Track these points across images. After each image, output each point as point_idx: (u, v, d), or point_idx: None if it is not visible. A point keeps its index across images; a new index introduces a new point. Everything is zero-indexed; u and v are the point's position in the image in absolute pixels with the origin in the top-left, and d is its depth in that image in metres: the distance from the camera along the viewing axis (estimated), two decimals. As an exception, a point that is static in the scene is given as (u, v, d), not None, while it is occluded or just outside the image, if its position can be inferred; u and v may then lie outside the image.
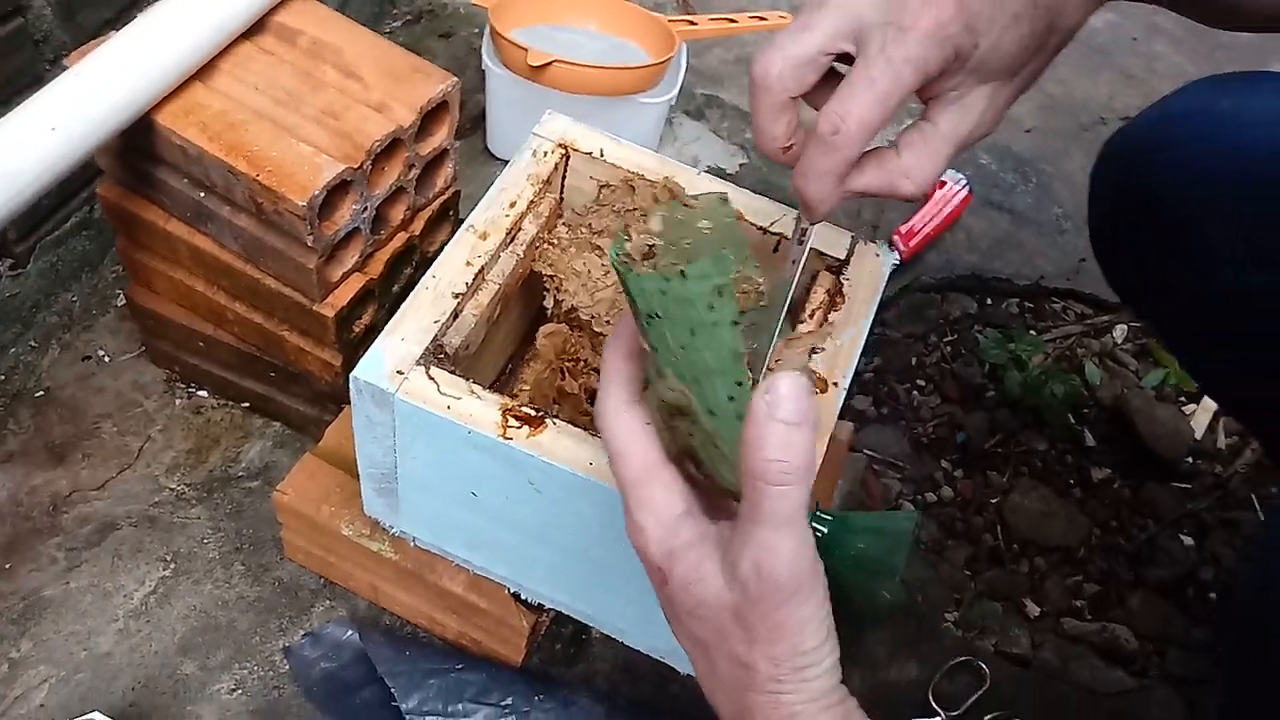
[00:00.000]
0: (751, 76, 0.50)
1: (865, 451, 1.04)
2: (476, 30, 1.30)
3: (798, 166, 0.51)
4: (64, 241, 0.97)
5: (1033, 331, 1.16)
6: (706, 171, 1.23)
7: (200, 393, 0.95)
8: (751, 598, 0.43)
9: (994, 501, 1.03)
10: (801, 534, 0.42)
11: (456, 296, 0.68)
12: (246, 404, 0.95)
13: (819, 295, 0.74)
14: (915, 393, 1.11)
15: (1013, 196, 1.28)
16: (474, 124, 1.20)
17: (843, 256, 0.75)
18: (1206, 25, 0.63)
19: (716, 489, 0.46)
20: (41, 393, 0.94)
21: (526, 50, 1.01)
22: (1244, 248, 0.69)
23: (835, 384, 0.69)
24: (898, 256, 1.17)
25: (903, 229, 1.18)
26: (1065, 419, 1.09)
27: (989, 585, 0.97)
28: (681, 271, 0.43)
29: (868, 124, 0.48)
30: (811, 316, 0.73)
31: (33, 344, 0.96)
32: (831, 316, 0.72)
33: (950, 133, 0.52)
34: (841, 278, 0.74)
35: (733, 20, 1.15)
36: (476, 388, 0.64)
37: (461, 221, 0.72)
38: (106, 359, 0.96)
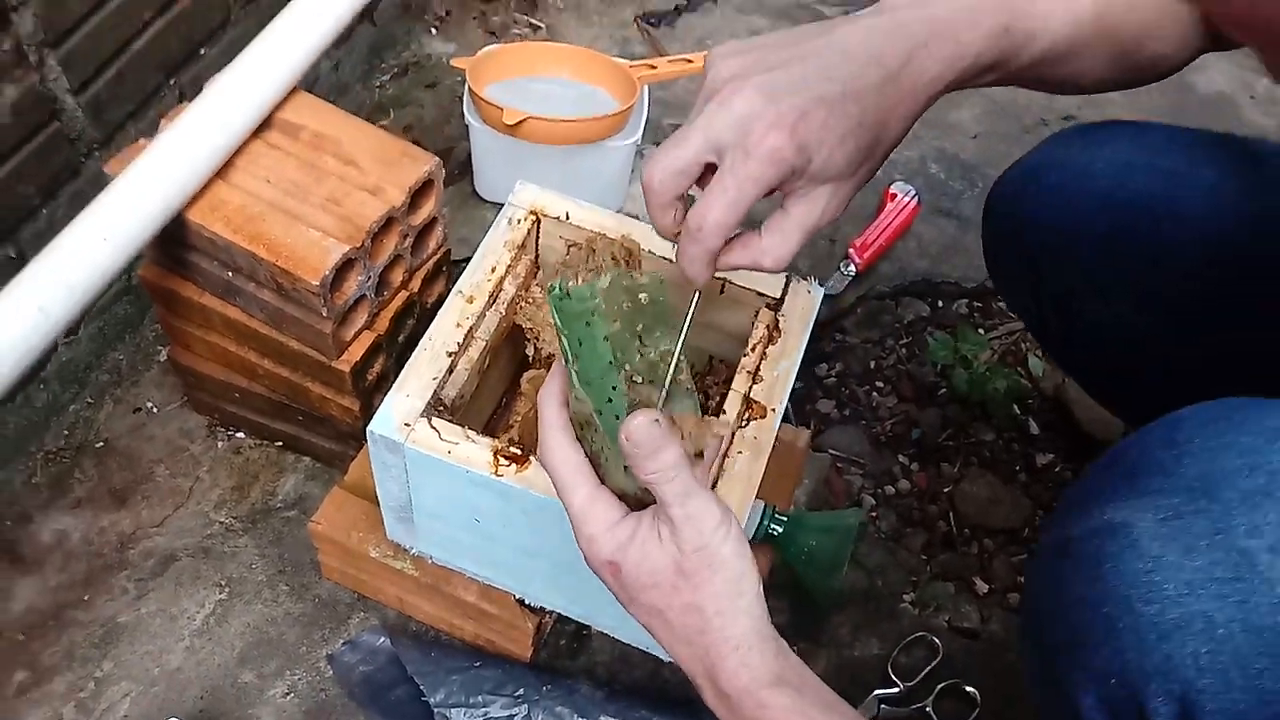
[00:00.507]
0: (642, 182, 0.62)
1: (829, 451, 1.17)
2: (460, 79, 1.41)
3: (676, 251, 0.63)
4: (108, 309, 1.10)
5: (980, 330, 1.28)
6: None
7: (239, 435, 1.09)
8: (687, 547, 0.55)
9: (946, 490, 1.15)
10: (704, 495, 0.55)
11: (450, 354, 0.80)
12: (280, 443, 1.08)
13: (760, 330, 0.86)
14: (874, 394, 1.23)
15: (960, 203, 1.39)
16: (462, 169, 1.32)
17: (778, 295, 0.87)
18: (1047, 93, 0.75)
19: (614, 491, 0.59)
20: (101, 444, 1.07)
21: (502, 110, 1.13)
22: (1087, 284, 0.83)
23: (773, 409, 0.81)
24: (854, 268, 1.29)
25: (857, 242, 1.30)
26: (1009, 411, 1.20)
27: (942, 567, 1.10)
28: (568, 292, 0.57)
29: (722, 224, 0.59)
30: (753, 350, 0.85)
31: (89, 401, 1.09)
32: (769, 350, 0.84)
33: (800, 220, 0.62)
34: (778, 314, 0.86)
35: (690, 60, 1.27)
36: (471, 433, 0.77)
37: (455, 261, 0.83)
38: (154, 410, 1.10)
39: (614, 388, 0.58)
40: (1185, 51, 0.72)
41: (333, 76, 1.33)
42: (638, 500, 0.59)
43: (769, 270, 0.63)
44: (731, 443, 0.80)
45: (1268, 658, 0.51)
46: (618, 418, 0.56)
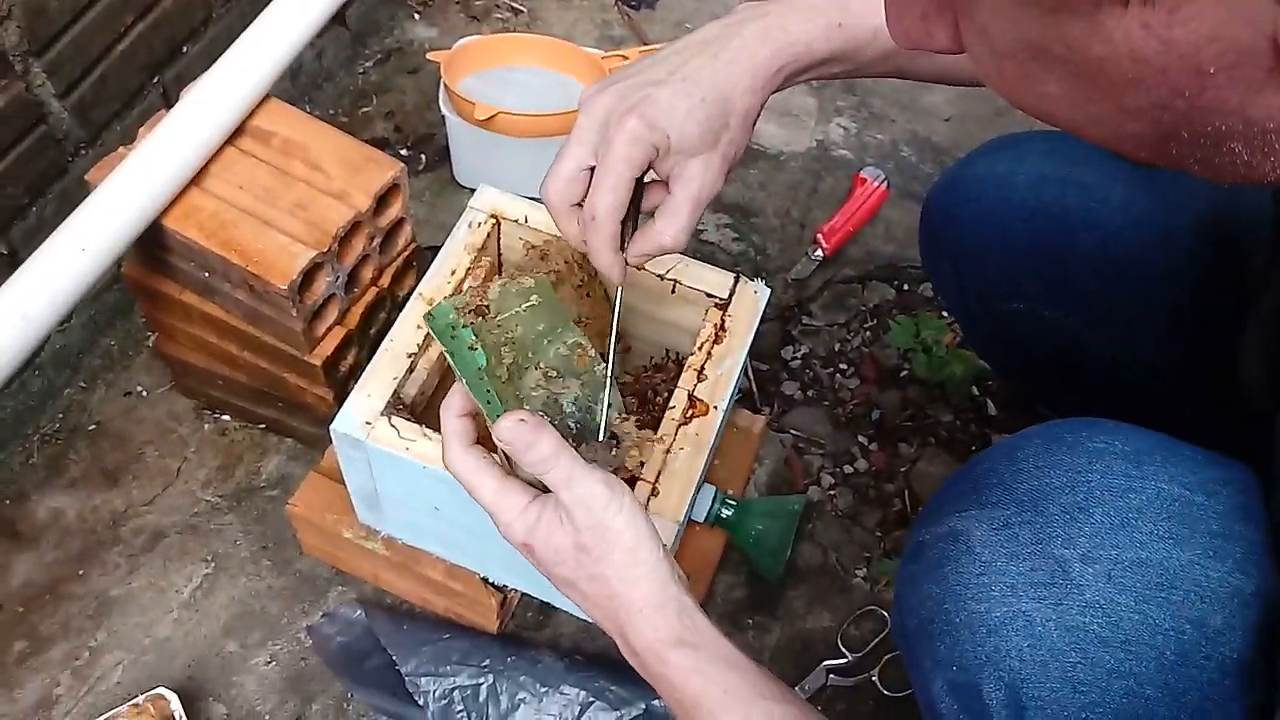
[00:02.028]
0: (544, 197, 0.71)
1: (791, 432, 1.22)
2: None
3: (587, 248, 0.71)
4: (99, 297, 1.15)
5: (944, 314, 1.32)
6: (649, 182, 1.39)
7: (224, 418, 1.14)
8: (582, 526, 0.61)
9: (903, 470, 1.20)
10: (589, 476, 0.61)
11: (410, 356, 0.85)
12: (263, 425, 1.13)
13: (707, 329, 0.90)
14: (838, 376, 1.27)
15: (930, 186, 1.42)
16: (441, 155, 1.36)
17: (726, 295, 0.91)
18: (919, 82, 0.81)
19: (522, 480, 0.65)
20: (93, 426, 1.13)
21: (474, 105, 1.17)
22: (1004, 284, 0.88)
23: (715, 407, 0.86)
24: (821, 253, 1.33)
25: (825, 227, 1.33)
26: (968, 392, 1.25)
27: (895, 544, 1.15)
28: (429, 313, 0.64)
29: (610, 207, 0.68)
30: (700, 348, 0.89)
31: (82, 385, 1.15)
32: (714, 349, 0.89)
33: (685, 198, 0.70)
34: (725, 314, 0.91)
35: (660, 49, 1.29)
36: (428, 431, 0.82)
37: (432, 248, 0.88)
38: (144, 393, 1.16)
39: (488, 390, 0.64)
40: None
41: (316, 64, 1.37)
42: (544, 487, 0.64)
43: (671, 249, 0.71)
44: (675, 438, 0.85)
45: (1078, 653, 0.57)
46: (497, 416, 0.62)
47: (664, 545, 0.63)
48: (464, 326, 0.65)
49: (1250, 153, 0.39)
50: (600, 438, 0.71)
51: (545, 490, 0.63)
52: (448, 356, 0.65)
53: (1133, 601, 0.57)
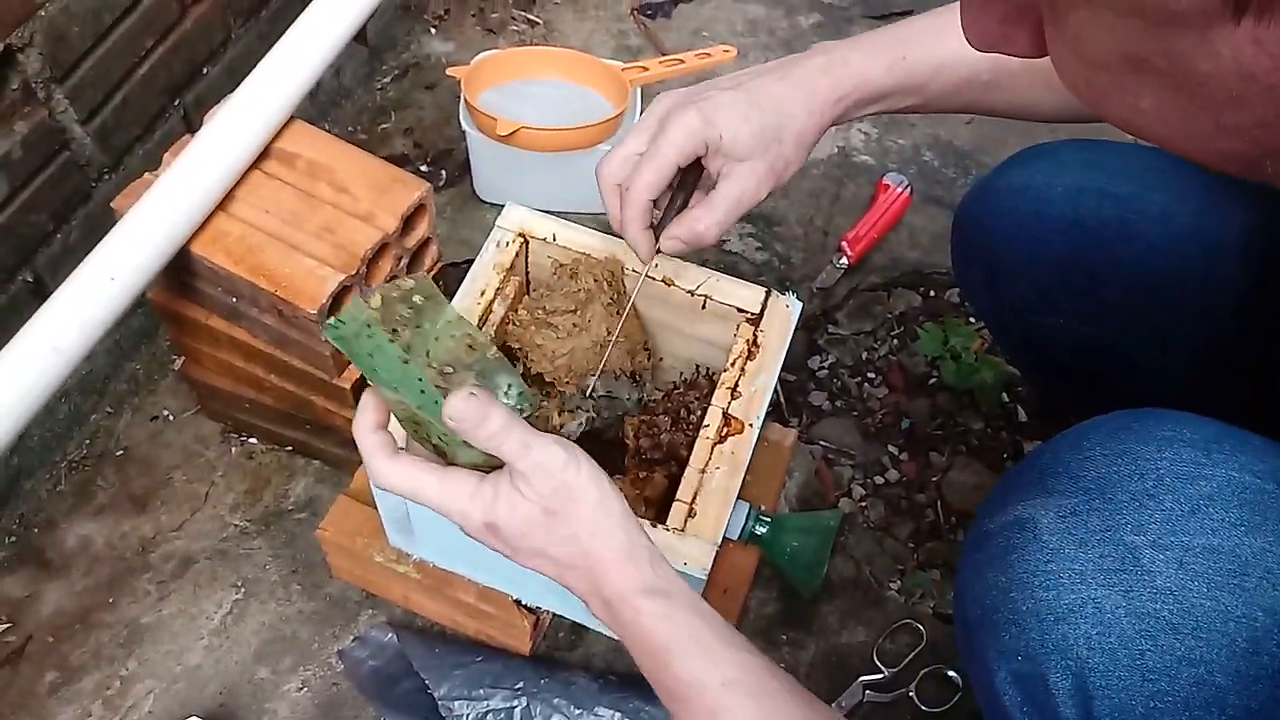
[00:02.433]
0: (596, 171, 0.78)
1: (820, 443, 1.20)
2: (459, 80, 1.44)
3: (624, 231, 0.78)
4: (123, 321, 1.14)
5: (971, 320, 1.30)
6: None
7: (251, 440, 1.14)
8: (545, 490, 0.61)
9: (935, 480, 1.19)
10: (542, 441, 0.61)
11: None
12: (290, 448, 1.13)
13: (739, 345, 0.89)
14: (865, 385, 1.26)
15: (954, 191, 1.41)
16: (462, 170, 1.35)
17: (758, 310, 0.90)
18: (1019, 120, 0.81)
19: (467, 468, 0.64)
20: (121, 451, 1.13)
21: (496, 120, 1.16)
22: (1039, 297, 0.87)
23: (750, 424, 0.85)
24: (846, 261, 1.32)
25: (849, 235, 1.32)
26: (998, 399, 1.23)
27: (928, 555, 1.14)
28: (339, 320, 0.62)
29: (649, 185, 0.75)
30: (734, 365, 0.88)
31: (109, 410, 1.15)
32: (748, 365, 0.88)
33: (726, 195, 0.76)
34: (757, 330, 0.89)
35: (680, 60, 1.29)
36: (461, 455, 0.81)
37: (455, 264, 0.87)
38: (171, 417, 1.15)
39: (419, 379, 0.62)
40: None
41: (334, 82, 1.36)
42: (491, 468, 0.64)
43: (706, 240, 0.77)
44: (711, 458, 0.84)
45: (1148, 640, 0.56)
46: (437, 403, 0.61)
47: (622, 497, 0.64)
48: (375, 324, 0.63)
49: None
50: (519, 407, 0.69)
51: (487, 471, 0.63)
52: (362, 362, 0.62)
53: (1205, 588, 0.56)
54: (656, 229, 0.79)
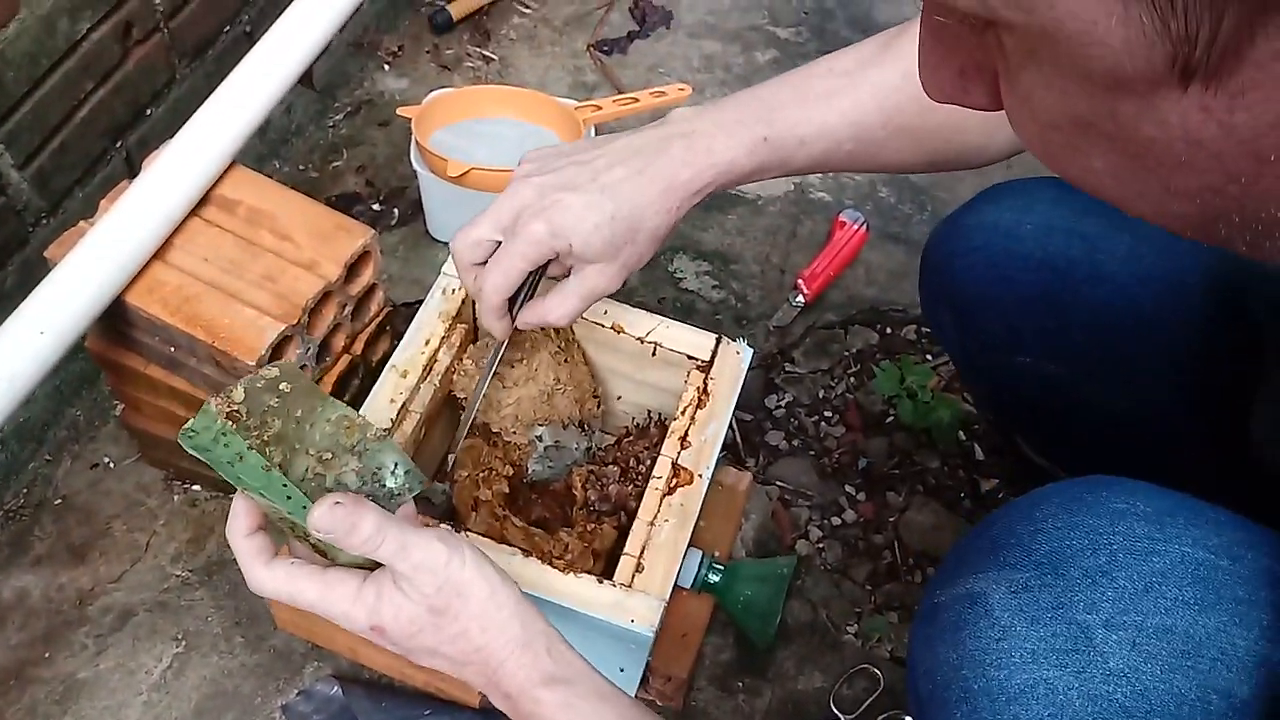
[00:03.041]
0: (451, 250, 0.78)
1: (777, 483, 1.19)
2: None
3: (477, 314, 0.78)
4: (64, 366, 1.11)
5: (928, 356, 1.30)
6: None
7: (195, 488, 1.11)
8: (429, 590, 0.60)
9: (892, 520, 1.18)
10: (421, 541, 0.60)
11: (386, 431, 0.83)
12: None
13: (689, 393, 0.88)
14: (823, 424, 1.25)
15: (909, 227, 1.41)
16: (415, 209, 1.34)
17: (708, 358, 0.89)
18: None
19: (345, 567, 0.63)
20: (59, 500, 1.10)
21: (447, 161, 1.15)
22: (1008, 335, 0.86)
23: (700, 475, 0.84)
24: (802, 299, 1.31)
25: (805, 272, 1.32)
26: (954, 438, 1.23)
27: (886, 597, 1.13)
28: (185, 431, 0.60)
29: (497, 288, 0.75)
30: (683, 413, 0.87)
31: (48, 458, 1.12)
32: (697, 415, 0.86)
33: (576, 289, 0.76)
34: (708, 377, 0.88)
35: (635, 99, 1.28)
36: (403, 510, 0.79)
37: (407, 304, 0.85)
38: (111, 465, 1.12)
39: (284, 485, 0.61)
40: (1006, 140, 0.77)
41: (284, 119, 1.35)
42: (374, 566, 0.62)
43: (554, 324, 0.78)
44: (660, 509, 0.83)
45: None
46: (305, 508, 0.59)
47: (515, 583, 0.63)
48: (230, 431, 0.62)
49: None
50: (409, 486, 0.68)
51: (371, 569, 0.62)
52: (224, 470, 0.60)
53: (1158, 670, 0.55)
54: (512, 309, 0.79)
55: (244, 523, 0.63)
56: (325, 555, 0.63)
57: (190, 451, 0.61)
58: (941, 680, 0.61)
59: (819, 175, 1.44)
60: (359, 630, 0.62)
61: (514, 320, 0.79)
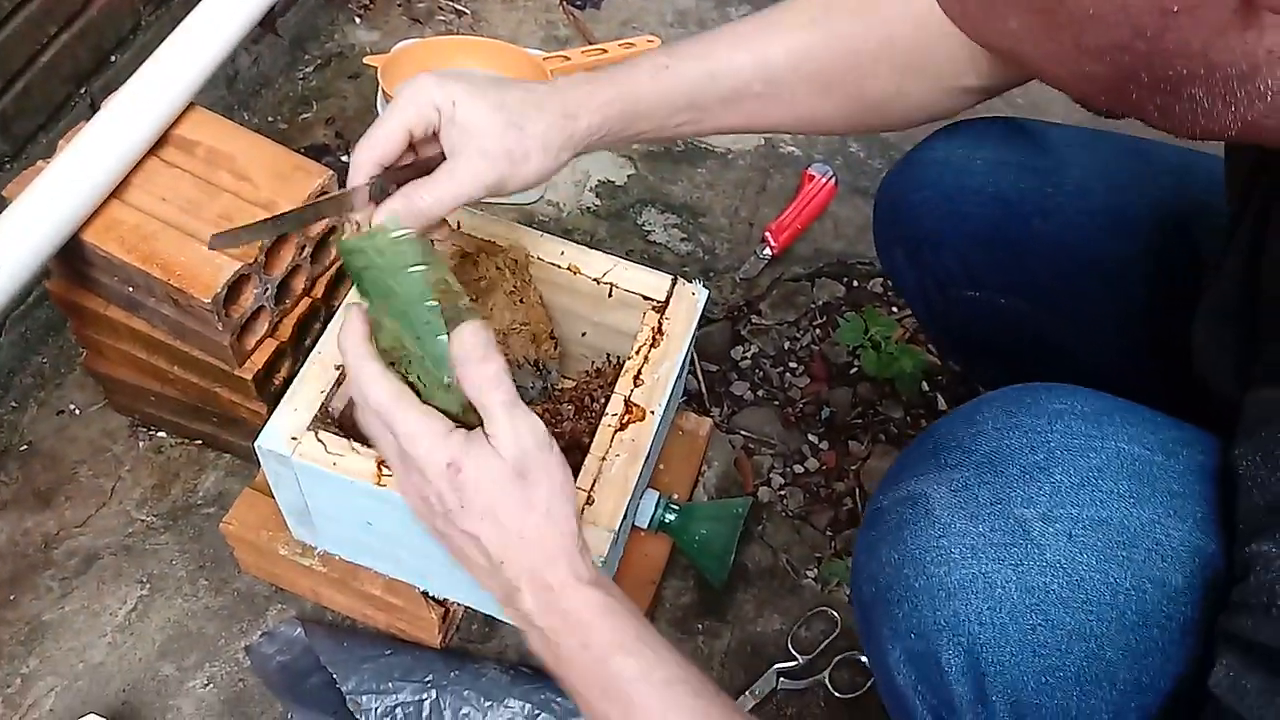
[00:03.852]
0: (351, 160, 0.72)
1: (741, 432, 1.20)
2: (385, 68, 1.43)
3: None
4: (30, 314, 1.12)
5: (893, 309, 1.31)
6: (597, 184, 1.37)
7: (159, 434, 1.12)
8: (517, 454, 0.61)
9: (854, 468, 1.19)
10: (527, 409, 0.62)
11: (338, 368, 0.83)
12: (199, 441, 1.11)
13: (645, 333, 0.89)
14: (788, 375, 1.26)
15: (878, 181, 1.40)
16: (386, 162, 1.34)
17: (663, 298, 0.90)
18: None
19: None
20: (25, 446, 1.11)
21: (412, 110, 1.15)
22: (961, 270, 0.87)
23: (652, 412, 0.85)
24: (769, 251, 1.32)
25: (773, 225, 1.32)
26: (917, 388, 1.24)
27: (846, 543, 1.14)
28: (355, 239, 0.63)
29: (375, 144, 0.70)
30: (638, 352, 0.88)
31: (14, 404, 1.12)
32: (651, 354, 0.87)
33: (450, 170, 0.70)
34: (663, 317, 0.89)
35: (604, 50, 1.28)
36: (357, 445, 0.80)
37: None
38: (77, 411, 1.13)
39: (431, 305, 0.62)
40: (939, 96, 0.78)
41: (253, 70, 1.34)
42: (461, 422, 0.64)
43: (426, 216, 0.70)
44: (611, 445, 0.83)
45: (1039, 615, 0.56)
46: (438, 336, 0.61)
47: None
48: (409, 241, 0.63)
49: (1211, 100, 0.38)
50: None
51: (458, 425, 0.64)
52: (373, 277, 0.62)
53: (1094, 560, 0.56)
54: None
55: (360, 328, 0.65)
56: (418, 396, 0.64)
57: (349, 254, 0.64)
58: (884, 582, 0.62)
59: (789, 130, 1.44)
60: (433, 463, 0.62)
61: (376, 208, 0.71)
